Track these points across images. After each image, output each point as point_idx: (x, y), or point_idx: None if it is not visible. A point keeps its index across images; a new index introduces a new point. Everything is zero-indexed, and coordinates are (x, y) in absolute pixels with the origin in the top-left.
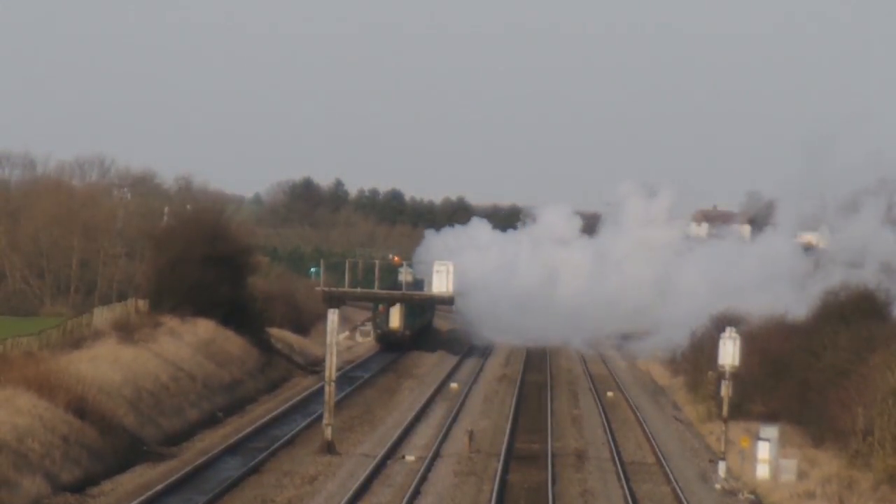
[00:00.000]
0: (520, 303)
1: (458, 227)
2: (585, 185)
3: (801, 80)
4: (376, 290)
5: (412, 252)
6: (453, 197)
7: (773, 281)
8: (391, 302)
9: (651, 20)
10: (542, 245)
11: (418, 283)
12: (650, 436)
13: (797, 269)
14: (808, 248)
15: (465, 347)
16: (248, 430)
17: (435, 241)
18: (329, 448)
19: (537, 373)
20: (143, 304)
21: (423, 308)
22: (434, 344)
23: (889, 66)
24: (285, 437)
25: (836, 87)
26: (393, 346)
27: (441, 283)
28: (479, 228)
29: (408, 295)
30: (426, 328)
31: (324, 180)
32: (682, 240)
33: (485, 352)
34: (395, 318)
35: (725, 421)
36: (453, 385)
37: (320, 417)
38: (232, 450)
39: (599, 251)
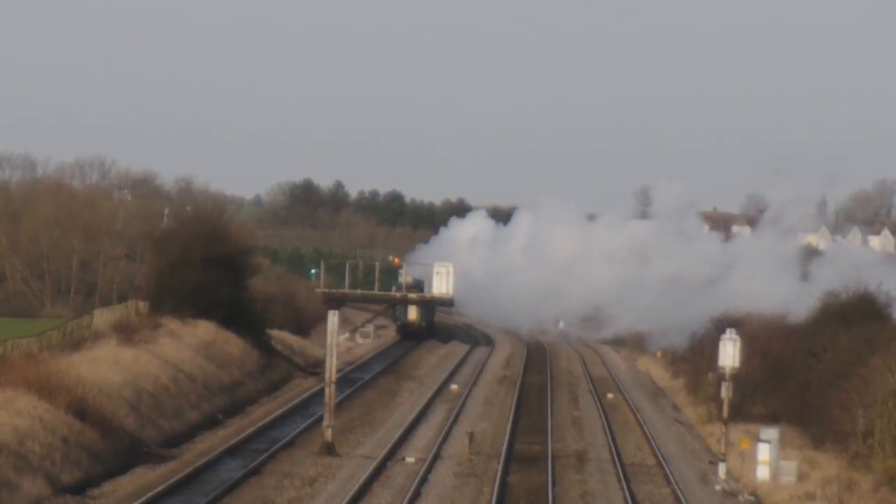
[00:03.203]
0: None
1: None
2: (585, 186)
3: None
4: (376, 291)
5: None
6: (453, 198)
7: None
8: (392, 303)
9: (650, 22)
10: (670, 237)
11: (418, 284)
12: (650, 437)
13: None
14: None
15: (470, 342)
16: (249, 431)
17: (549, 208)
18: (329, 449)
19: (538, 374)
20: (143, 305)
21: (432, 305)
22: (440, 338)
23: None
24: (285, 439)
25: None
26: (411, 335)
27: (441, 284)
28: (616, 220)
29: (408, 298)
30: (432, 322)
31: (324, 182)
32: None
33: (487, 348)
34: (413, 313)
35: (725, 422)
36: (453, 387)
37: (320, 419)
38: (232, 451)
39: (730, 249)
